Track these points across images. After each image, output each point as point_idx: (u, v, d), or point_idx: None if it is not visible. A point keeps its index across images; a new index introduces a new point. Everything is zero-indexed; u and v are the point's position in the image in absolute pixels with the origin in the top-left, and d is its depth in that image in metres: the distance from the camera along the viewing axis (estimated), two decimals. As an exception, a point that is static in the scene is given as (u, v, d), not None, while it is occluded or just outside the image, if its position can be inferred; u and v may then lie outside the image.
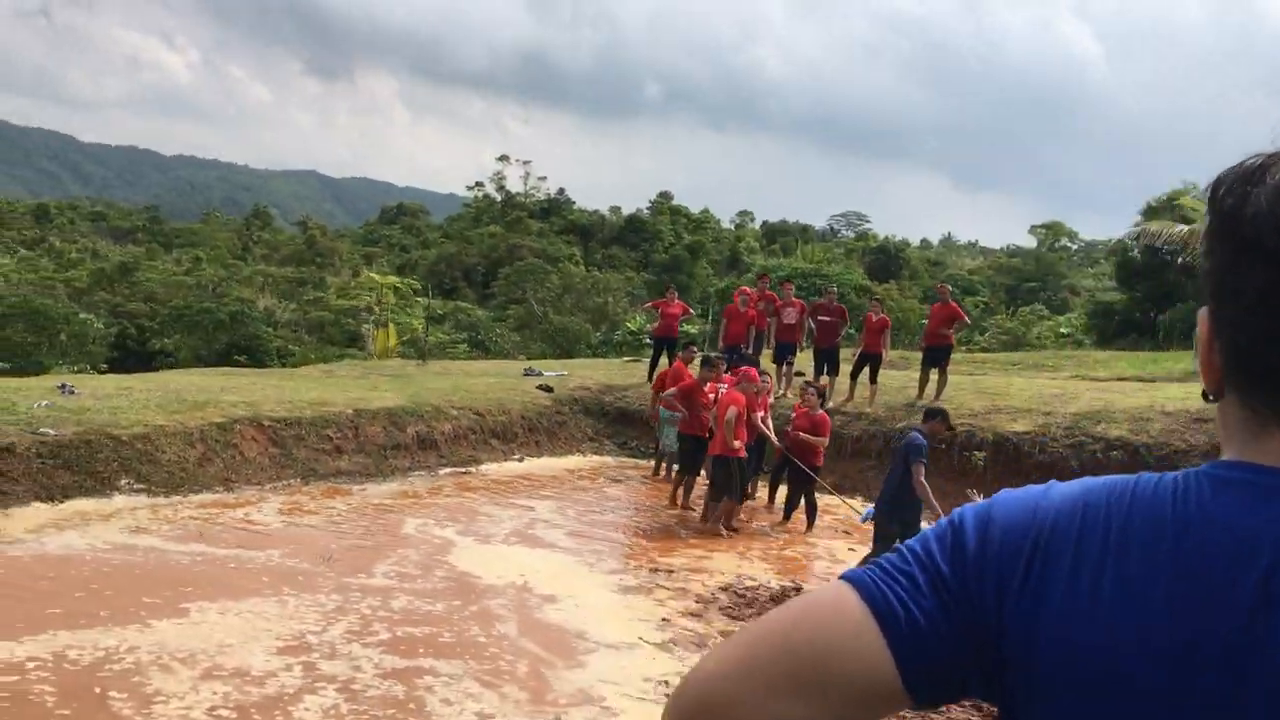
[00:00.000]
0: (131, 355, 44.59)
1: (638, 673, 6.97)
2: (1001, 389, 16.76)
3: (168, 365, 38.30)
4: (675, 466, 14.96)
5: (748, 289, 17.86)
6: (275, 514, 10.54)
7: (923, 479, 8.75)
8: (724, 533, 11.45)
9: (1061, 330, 36.00)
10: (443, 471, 13.72)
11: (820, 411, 12.39)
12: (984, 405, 15.62)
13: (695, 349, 15.75)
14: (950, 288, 17.27)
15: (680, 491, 12.91)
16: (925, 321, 20.04)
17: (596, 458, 16.13)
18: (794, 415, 12.65)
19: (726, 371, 15.47)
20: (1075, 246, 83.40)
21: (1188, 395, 15.70)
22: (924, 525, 8.67)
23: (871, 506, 9.03)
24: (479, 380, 18.17)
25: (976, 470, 14.37)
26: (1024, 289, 62.75)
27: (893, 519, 8.84)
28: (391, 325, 26.98)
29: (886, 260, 66.07)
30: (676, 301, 18.34)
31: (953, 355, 17.01)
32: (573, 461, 15.63)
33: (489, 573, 9.05)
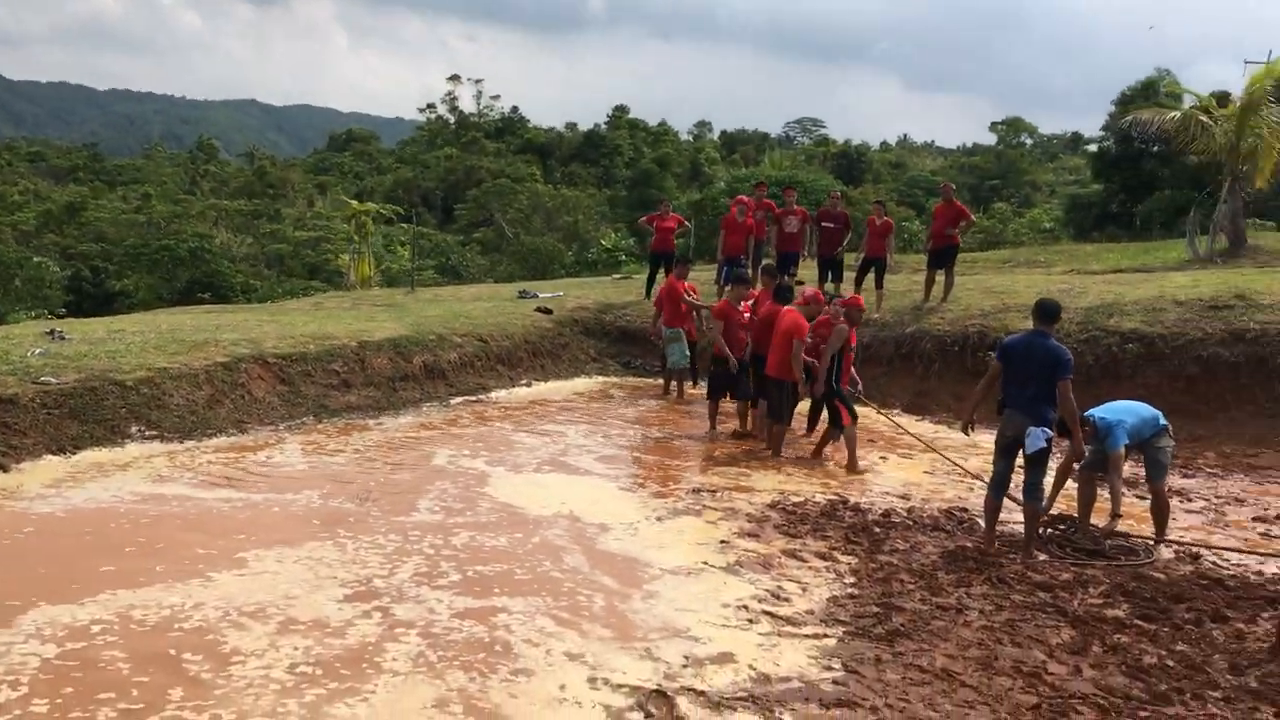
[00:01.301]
0: (88, 298, 43.47)
1: (713, 599, 6.76)
2: (1008, 287, 16.57)
3: (127, 307, 37.43)
4: (688, 383, 14.75)
5: (745, 198, 17.44)
6: (299, 454, 10.18)
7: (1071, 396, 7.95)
8: (777, 456, 11.20)
9: (1044, 225, 35.91)
10: (454, 401, 13.38)
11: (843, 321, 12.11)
12: (993, 304, 15.45)
13: (688, 264, 15.34)
14: (954, 186, 16.96)
15: (751, 419, 12.34)
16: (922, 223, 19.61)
17: (603, 378, 15.86)
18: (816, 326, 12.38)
19: (722, 284, 15.19)
20: (1031, 142, 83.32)
21: (1195, 283, 15.61)
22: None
23: (1039, 430, 8.13)
24: (474, 306, 17.75)
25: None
26: (987, 187, 62.67)
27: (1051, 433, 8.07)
28: (369, 253, 26.33)
29: (849, 164, 65.70)
30: (671, 214, 17.93)
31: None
32: (580, 384, 15.34)
33: (532, 503, 8.78)
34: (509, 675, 5.45)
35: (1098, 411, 8.56)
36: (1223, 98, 22.46)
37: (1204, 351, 13.23)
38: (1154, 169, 32.02)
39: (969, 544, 8.26)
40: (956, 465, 10.70)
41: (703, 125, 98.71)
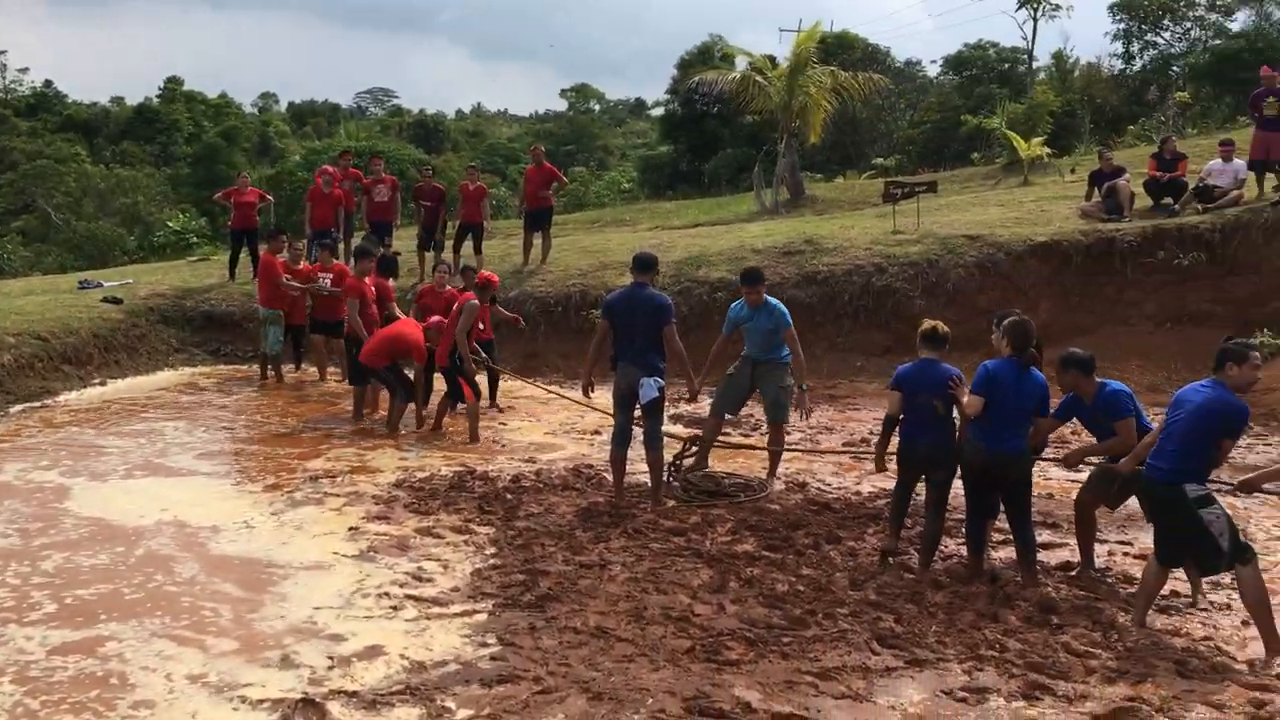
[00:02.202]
0: None
1: (350, 591, 6.33)
2: (602, 246, 17.03)
3: None
4: (287, 367, 13.90)
5: (330, 168, 16.66)
6: None
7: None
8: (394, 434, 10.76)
9: (624, 186, 37.41)
10: (14, 410, 11.69)
11: (450, 288, 11.87)
12: (591, 263, 15.80)
13: (285, 238, 14.34)
14: (543, 149, 17.11)
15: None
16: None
17: (191, 369, 14.57)
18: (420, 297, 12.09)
19: (314, 259, 14.48)
20: (600, 108, 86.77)
21: (769, 232, 16.83)
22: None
23: (652, 380, 8.07)
24: (26, 301, 15.67)
25: (595, 327, 14.56)
26: (563, 152, 64.39)
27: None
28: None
29: (427, 134, 65.09)
30: (250, 189, 16.78)
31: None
32: (165, 377, 13.99)
33: (128, 513, 7.81)
34: (130, 710, 4.75)
35: None
36: (770, 59, 24.36)
37: (783, 295, 14.21)
38: (716, 129, 34.31)
39: (601, 499, 8.33)
40: (601, 410, 10.76)
41: (268, 97, 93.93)
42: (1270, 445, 10.27)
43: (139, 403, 12.22)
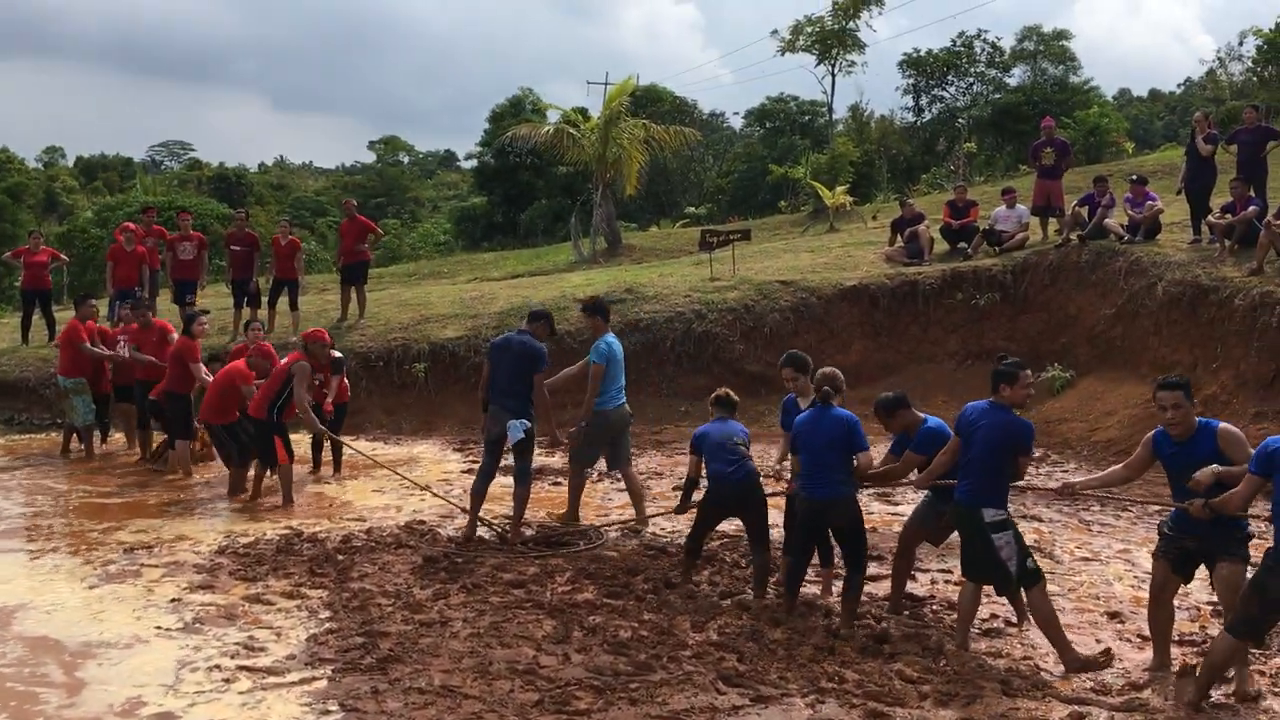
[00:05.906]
0: None
1: (177, 665, 6.02)
2: (422, 299, 16.86)
3: None
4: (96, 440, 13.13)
5: (131, 224, 15.97)
6: None
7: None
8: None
9: (439, 238, 37.13)
10: None
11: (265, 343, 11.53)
12: (411, 317, 15.62)
13: (93, 302, 13.49)
14: (355, 202, 16.88)
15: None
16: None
17: (-19, 439, 13.60)
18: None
19: (115, 320, 13.88)
20: (409, 159, 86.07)
21: (589, 282, 17.05)
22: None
23: (518, 423, 8.41)
24: None
25: (419, 381, 14.40)
26: (373, 204, 63.45)
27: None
28: None
29: (229, 188, 62.92)
30: (43, 248, 15.93)
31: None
32: (-47, 449, 13.02)
33: (-79, 596, 7.22)
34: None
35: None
36: (582, 112, 24.79)
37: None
38: (530, 180, 34.57)
39: (436, 553, 8.20)
40: (411, 481, 10.52)
41: (54, 151, 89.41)
42: (1066, 471, 10.98)
43: (-76, 478, 11.33)
